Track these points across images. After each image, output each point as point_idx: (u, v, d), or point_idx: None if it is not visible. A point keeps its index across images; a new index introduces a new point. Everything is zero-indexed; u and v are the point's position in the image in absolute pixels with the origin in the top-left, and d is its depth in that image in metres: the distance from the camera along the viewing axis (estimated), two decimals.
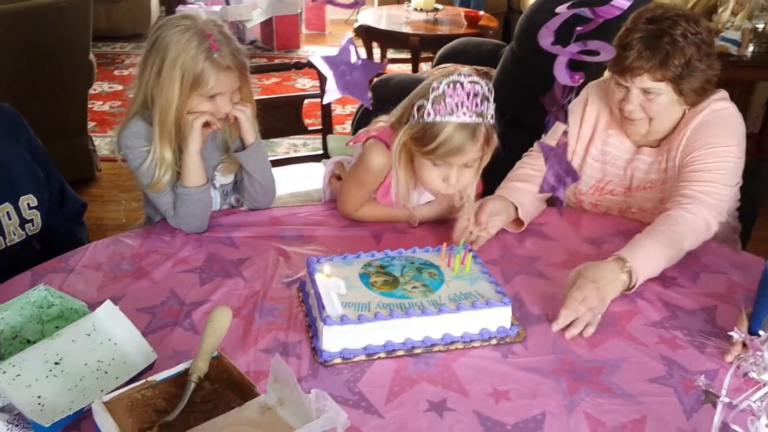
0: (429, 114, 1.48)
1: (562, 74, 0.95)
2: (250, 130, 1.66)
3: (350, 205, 1.71)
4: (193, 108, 1.57)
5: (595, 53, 0.93)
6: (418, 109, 1.50)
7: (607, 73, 1.81)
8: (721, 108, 1.64)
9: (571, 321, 1.31)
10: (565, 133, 1.06)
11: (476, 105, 1.47)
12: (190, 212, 1.61)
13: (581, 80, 0.95)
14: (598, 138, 1.78)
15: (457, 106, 1.46)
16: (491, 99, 1.49)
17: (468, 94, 1.46)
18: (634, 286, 1.41)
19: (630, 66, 1.56)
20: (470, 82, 1.46)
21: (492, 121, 1.52)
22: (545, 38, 0.91)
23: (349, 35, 1.09)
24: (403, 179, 1.62)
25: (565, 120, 1.05)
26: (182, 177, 1.60)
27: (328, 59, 1.00)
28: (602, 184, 1.81)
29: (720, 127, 1.61)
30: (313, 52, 5.92)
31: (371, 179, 1.68)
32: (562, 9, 1.00)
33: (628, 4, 0.93)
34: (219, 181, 1.75)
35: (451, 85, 1.46)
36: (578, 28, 1.02)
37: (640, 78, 1.57)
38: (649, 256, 1.43)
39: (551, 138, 1.67)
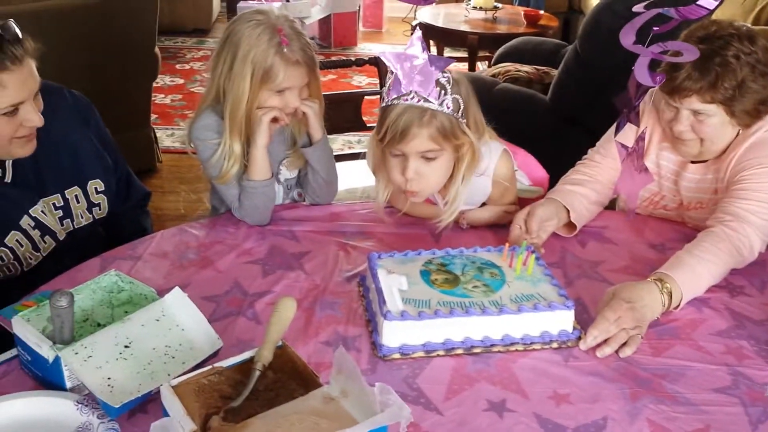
0: (383, 99, 1.49)
1: (643, 74, 0.94)
2: (317, 127, 1.68)
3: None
4: (263, 102, 1.59)
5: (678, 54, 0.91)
6: (381, 99, 1.51)
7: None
8: None
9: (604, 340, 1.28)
10: (642, 135, 1.04)
11: (426, 88, 1.44)
12: (254, 205, 1.63)
13: (662, 81, 0.93)
14: (652, 150, 1.73)
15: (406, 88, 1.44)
16: (449, 90, 1.46)
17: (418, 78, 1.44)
18: (678, 306, 1.37)
19: (679, 87, 1.49)
20: (423, 65, 1.42)
21: (450, 112, 1.47)
22: (627, 37, 0.90)
23: (418, 33, 1.10)
24: (385, 183, 1.62)
25: (638, 122, 1.04)
26: (248, 170, 1.63)
27: (395, 53, 1.01)
28: (657, 198, 1.77)
29: None
30: (370, 50, 5.94)
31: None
32: (639, 8, 0.98)
33: (715, 3, 0.91)
34: (284, 176, 1.77)
35: (404, 67, 1.43)
36: (655, 29, 1.01)
37: (689, 99, 1.51)
38: (693, 274, 1.38)
39: (611, 141, 1.65)
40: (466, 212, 1.68)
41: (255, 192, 1.63)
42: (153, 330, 1.18)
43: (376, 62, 2.48)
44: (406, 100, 1.44)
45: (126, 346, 1.15)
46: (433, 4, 4.41)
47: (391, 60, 1.04)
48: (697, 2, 0.86)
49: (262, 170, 1.63)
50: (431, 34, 4.67)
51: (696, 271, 1.39)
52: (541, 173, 1.88)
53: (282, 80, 1.57)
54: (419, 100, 1.44)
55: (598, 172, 1.71)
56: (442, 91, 1.45)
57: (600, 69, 2.53)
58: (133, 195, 1.82)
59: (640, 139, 1.03)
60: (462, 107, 1.49)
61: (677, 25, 0.96)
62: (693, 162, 1.67)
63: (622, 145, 1.06)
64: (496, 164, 1.65)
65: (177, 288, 1.22)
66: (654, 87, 0.95)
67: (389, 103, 1.47)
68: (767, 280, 1.50)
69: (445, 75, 1.45)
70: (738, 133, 1.59)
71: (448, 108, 1.46)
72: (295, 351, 1.09)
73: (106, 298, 1.30)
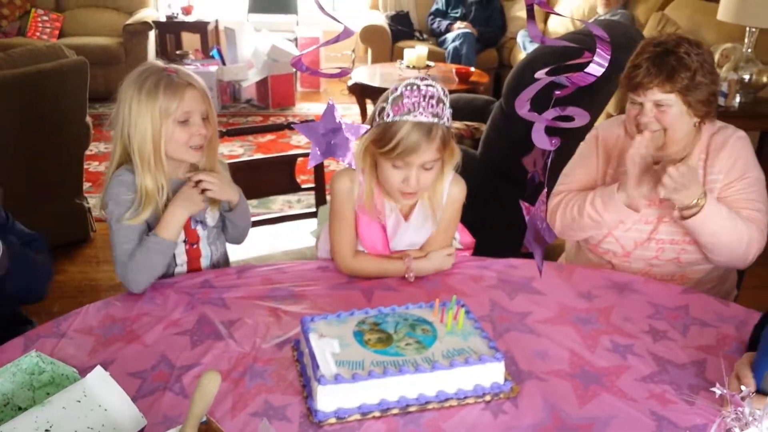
0: (388, 115, 1.56)
1: (540, 139, 0.99)
2: (229, 193, 1.75)
3: (341, 247, 1.74)
4: (170, 137, 1.64)
5: (571, 119, 0.96)
6: (379, 113, 1.59)
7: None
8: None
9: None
10: (545, 191, 1.08)
11: (432, 106, 1.55)
12: (148, 263, 1.64)
13: (558, 145, 0.98)
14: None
15: (414, 106, 1.55)
16: (447, 103, 1.58)
17: (424, 96, 1.55)
18: (701, 208, 1.68)
19: (641, 82, 1.73)
20: (426, 85, 1.55)
21: (448, 124, 1.60)
22: (521, 107, 0.94)
23: (330, 100, 1.13)
24: (368, 184, 1.68)
25: (546, 178, 1.08)
26: (160, 227, 1.65)
27: (307, 125, 1.04)
28: None
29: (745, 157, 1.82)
30: (308, 110, 6.01)
31: (342, 205, 1.73)
32: (540, 75, 1.04)
33: (602, 71, 0.96)
34: (210, 221, 1.81)
35: (409, 87, 1.55)
36: (556, 93, 1.06)
37: (651, 91, 1.73)
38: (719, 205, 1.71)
39: (567, 175, 1.99)
40: (412, 264, 1.72)
41: (157, 249, 1.64)
42: (74, 412, 1.15)
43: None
44: (415, 116, 1.55)
45: (47, 431, 1.12)
46: (348, 74, 4.53)
47: (305, 130, 1.07)
48: (585, 71, 0.91)
49: (175, 233, 1.67)
50: (367, 93, 4.77)
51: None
52: (469, 239, 1.95)
53: (179, 106, 1.62)
54: (427, 117, 1.55)
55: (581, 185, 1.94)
56: (443, 105, 1.57)
57: (524, 124, 2.60)
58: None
59: (542, 199, 1.07)
60: (450, 115, 1.61)
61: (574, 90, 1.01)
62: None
63: (528, 206, 1.10)
64: (450, 186, 1.73)
65: (99, 367, 1.19)
66: None
67: (398, 119, 1.55)
68: (689, 324, 1.55)
69: (441, 87, 1.58)
70: (695, 125, 1.80)
71: (448, 121, 1.60)
72: (221, 426, 1.07)
73: (27, 381, 1.26)
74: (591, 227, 1.88)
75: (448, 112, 1.59)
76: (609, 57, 0.96)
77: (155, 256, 1.65)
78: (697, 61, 1.72)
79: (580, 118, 0.95)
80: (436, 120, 1.56)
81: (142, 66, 1.68)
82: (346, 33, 1.11)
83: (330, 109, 1.10)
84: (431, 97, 1.55)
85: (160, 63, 1.69)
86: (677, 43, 1.74)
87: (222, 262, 1.89)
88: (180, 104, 1.63)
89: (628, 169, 1.76)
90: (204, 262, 1.82)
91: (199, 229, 1.79)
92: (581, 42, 1.17)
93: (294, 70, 6.04)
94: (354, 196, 1.72)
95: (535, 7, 0.96)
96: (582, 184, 1.96)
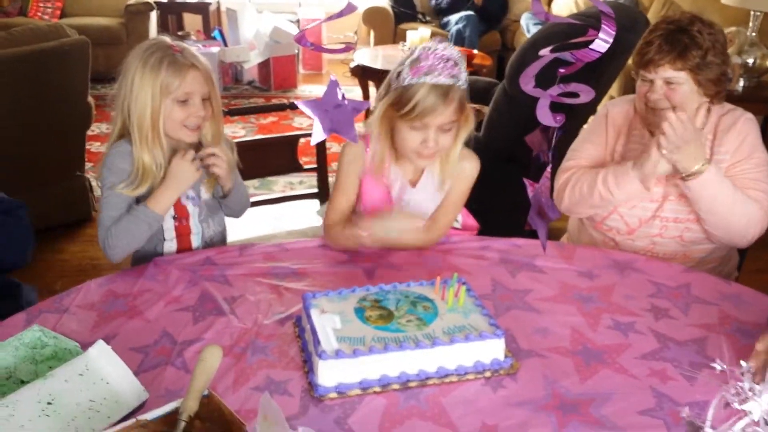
0: (405, 78, 1.59)
1: (544, 116, 0.98)
2: (227, 180, 1.76)
3: (330, 213, 1.77)
4: (168, 115, 1.64)
5: (576, 95, 0.96)
6: (396, 76, 1.62)
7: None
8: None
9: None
10: (550, 169, 1.08)
11: (449, 68, 1.57)
12: (131, 232, 1.65)
13: (563, 121, 0.98)
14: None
15: (431, 68, 1.56)
16: (462, 66, 1.60)
17: (441, 58, 1.57)
18: (703, 173, 1.68)
19: (652, 58, 1.73)
20: (443, 48, 1.58)
21: (464, 86, 1.61)
22: (526, 83, 0.94)
23: (332, 77, 1.12)
24: (380, 150, 1.69)
25: (551, 159, 1.08)
26: (151, 201, 1.66)
27: (311, 102, 1.03)
28: None
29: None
30: (311, 92, 5.99)
31: (346, 173, 1.75)
32: (544, 52, 1.03)
33: (606, 47, 0.96)
34: (202, 196, 1.81)
35: (426, 50, 1.58)
36: (561, 70, 1.05)
37: (662, 68, 1.73)
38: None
39: (575, 150, 1.98)
40: (367, 222, 1.67)
41: (144, 219, 1.65)
42: (77, 385, 1.16)
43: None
44: (433, 78, 1.56)
45: (49, 403, 1.12)
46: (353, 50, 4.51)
47: (307, 107, 1.06)
48: (590, 47, 0.91)
49: (165, 207, 1.68)
50: (369, 75, 4.74)
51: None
52: (473, 222, 1.95)
53: (180, 85, 1.62)
54: (445, 78, 1.56)
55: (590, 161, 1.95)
56: (459, 68, 1.59)
57: (527, 106, 2.59)
58: None
59: (546, 177, 1.07)
60: (466, 78, 1.62)
61: (583, 66, 1.00)
62: None
63: (530, 183, 1.10)
64: (462, 162, 1.74)
65: (101, 341, 1.20)
66: None
67: (415, 82, 1.56)
68: (691, 302, 1.55)
69: (457, 51, 1.60)
70: (704, 106, 1.80)
71: (465, 83, 1.61)
72: (223, 399, 1.08)
73: (30, 355, 1.27)
74: (599, 206, 1.88)
75: (464, 74, 1.61)
76: (614, 32, 0.95)
77: (140, 226, 1.66)
78: (710, 41, 1.72)
79: (585, 94, 0.94)
80: (453, 81, 1.58)
81: (150, 41, 1.68)
82: (350, 8, 1.10)
83: (332, 85, 1.09)
84: (448, 59, 1.57)
85: (168, 39, 1.68)
86: (690, 21, 1.74)
87: (217, 241, 1.88)
88: (181, 84, 1.63)
89: (654, 145, 1.72)
90: (195, 239, 1.81)
91: (190, 205, 1.78)
92: (585, 22, 1.16)
93: (296, 51, 6.02)
94: (360, 163, 1.74)
95: None
96: (591, 159, 1.95)
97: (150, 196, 1.67)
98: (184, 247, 1.80)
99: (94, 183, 3.63)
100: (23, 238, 1.73)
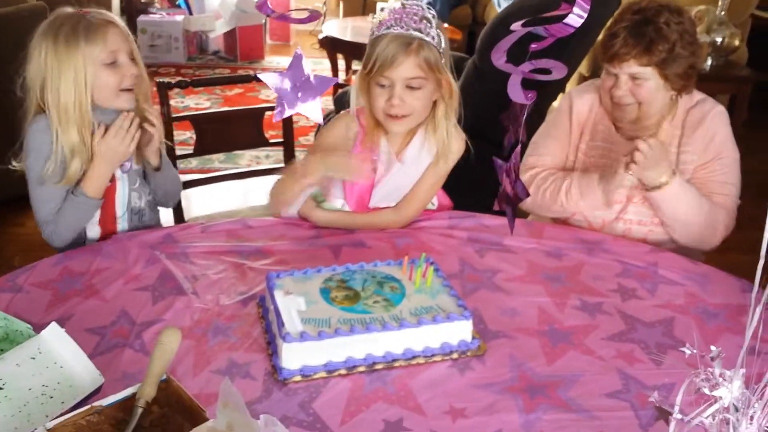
0: (371, 34, 1.59)
1: (516, 92, 0.95)
2: (154, 154, 1.70)
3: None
4: (99, 84, 1.56)
5: (548, 71, 0.92)
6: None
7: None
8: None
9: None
10: (519, 148, 1.05)
11: (414, 22, 1.55)
12: (76, 219, 1.62)
13: (534, 99, 0.95)
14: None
15: (395, 22, 1.56)
16: (434, 24, 1.57)
17: (407, 13, 1.56)
18: (666, 185, 1.66)
19: (617, 52, 1.67)
20: (411, 4, 1.58)
21: (435, 45, 1.57)
22: (498, 59, 0.90)
23: (298, 50, 1.08)
24: (370, 118, 1.67)
25: (524, 136, 1.05)
26: (86, 185, 1.60)
27: (273, 74, 0.99)
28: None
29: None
30: (278, 63, 5.89)
31: (333, 137, 1.72)
32: (516, 26, 0.99)
33: (581, 21, 0.92)
34: (130, 165, 1.71)
35: (393, 7, 1.58)
36: (533, 46, 1.02)
37: (627, 64, 1.67)
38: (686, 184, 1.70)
39: (536, 143, 1.93)
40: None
41: (85, 206, 1.61)
42: (29, 369, 1.11)
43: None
44: (395, 30, 1.55)
45: (0, 388, 1.08)
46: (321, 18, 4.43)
47: (270, 80, 1.02)
48: (563, 21, 0.87)
49: (101, 190, 1.63)
50: (338, 47, 4.67)
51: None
52: (447, 201, 1.91)
53: (103, 47, 1.54)
54: (408, 30, 1.54)
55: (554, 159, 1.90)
56: (428, 24, 1.56)
57: (497, 81, 2.56)
58: None
59: (516, 156, 1.04)
60: (444, 45, 1.59)
61: (555, 42, 0.97)
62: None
63: (500, 162, 1.07)
64: (456, 145, 1.72)
65: (54, 323, 1.15)
66: None
67: (378, 35, 1.56)
68: (658, 282, 1.55)
69: (431, 11, 1.57)
70: (672, 98, 1.75)
71: (434, 39, 1.57)
72: (182, 384, 1.04)
73: None
74: (560, 213, 1.86)
75: (435, 32, 1.57)
76: (588, 6, 0.92)
77: (84, 214, 1.63)
78: (677, 32, 1.66)
79: (558, 70, 0.91)
80: (416, 34, 1.55)
81: (51, 16, 1.59)
82: None
83: (297, 59, 1.05)
84: (414, 14, 1.56)
85: (69, 8, 1.60)
86: (657, 11, 1.67)
87: (147, 217, 1.80)
88: (104, 45, 1.55)
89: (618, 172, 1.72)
90: (119, 206, 1.72)
91: (117, 171, 1.69)
92: None
93: (263, 21, 5.90)
94: (348, 140, 1.71)
95: None
96: (555, 157, 1.90)
97: (84, 180, 1.60)
98: (107, 213, 1.71)
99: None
100: None
